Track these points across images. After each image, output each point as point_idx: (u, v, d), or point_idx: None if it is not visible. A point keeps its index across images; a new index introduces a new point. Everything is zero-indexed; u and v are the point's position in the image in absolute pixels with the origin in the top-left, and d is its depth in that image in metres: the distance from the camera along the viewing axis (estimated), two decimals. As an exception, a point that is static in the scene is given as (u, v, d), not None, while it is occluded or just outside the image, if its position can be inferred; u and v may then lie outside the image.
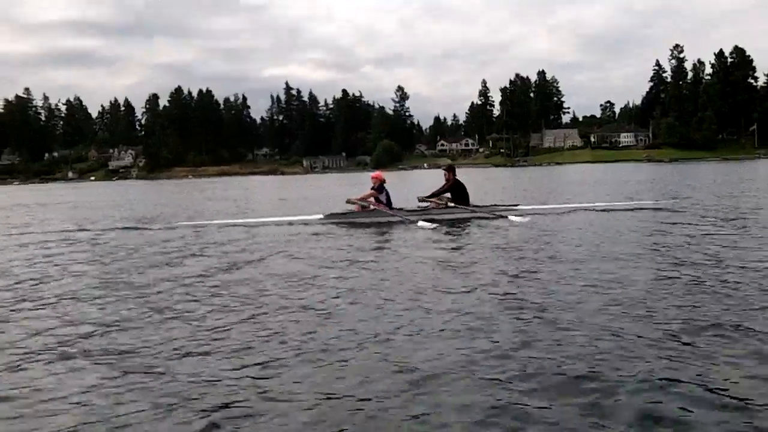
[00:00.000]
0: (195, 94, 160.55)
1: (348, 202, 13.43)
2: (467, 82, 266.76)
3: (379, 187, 13.31)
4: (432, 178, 37.88)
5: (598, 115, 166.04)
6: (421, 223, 11.65)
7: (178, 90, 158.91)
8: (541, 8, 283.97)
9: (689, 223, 10.59)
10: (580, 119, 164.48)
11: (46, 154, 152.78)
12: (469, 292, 5.81)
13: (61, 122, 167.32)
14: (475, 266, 7.23)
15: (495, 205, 13.75)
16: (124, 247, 10.18)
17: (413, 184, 25.77)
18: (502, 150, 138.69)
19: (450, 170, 13.81)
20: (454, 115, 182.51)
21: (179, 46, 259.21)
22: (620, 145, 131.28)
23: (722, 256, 7.19)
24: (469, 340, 4.30)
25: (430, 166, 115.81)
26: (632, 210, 13.41)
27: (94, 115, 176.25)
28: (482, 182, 36.18)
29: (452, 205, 13.17)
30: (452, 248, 8.93)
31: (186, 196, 33.45)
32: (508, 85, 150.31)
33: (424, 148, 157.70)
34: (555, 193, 23.23)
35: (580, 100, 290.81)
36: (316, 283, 6.49)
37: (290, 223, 13.14)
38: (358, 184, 34.00)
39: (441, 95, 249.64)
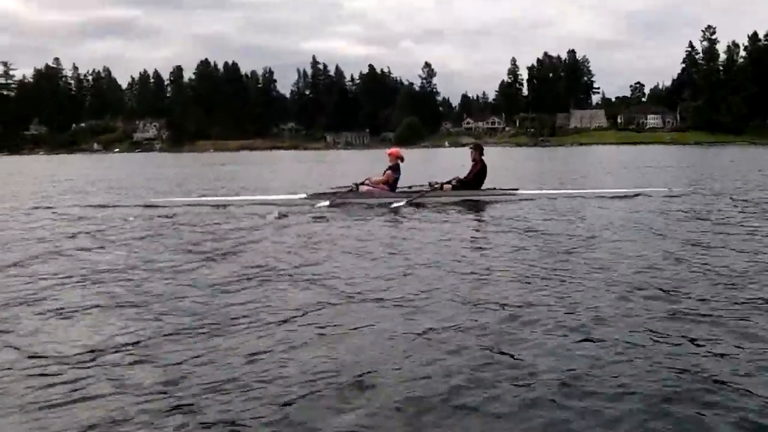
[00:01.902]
0: (230, 66, 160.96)
1: (367, 182, 12.59)
2: (504, 59, 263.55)
3: (396, 166, 12.53)
4: (449, 159, 37.35)
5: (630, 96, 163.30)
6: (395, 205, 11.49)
7: (205, 62, 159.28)
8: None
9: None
10: (613, 100, 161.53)
11: (74, 125, 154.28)
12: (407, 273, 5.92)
13: (89, 94, 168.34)
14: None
15: (493, 188, 12.86)
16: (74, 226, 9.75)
17: (427, 164, 25.14)
18: (529, 129, 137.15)
19: (477, 149, 12.84)
20: (484, 93, 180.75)
21: (218, 17, 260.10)
22: (647, 127, 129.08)
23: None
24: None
25: (451, 145, 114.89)
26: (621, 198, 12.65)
27: (125, 86, 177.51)
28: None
29: (436, 188, 12.31)
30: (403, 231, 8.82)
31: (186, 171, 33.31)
32: (535, 64, 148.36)
33: (450, 126, 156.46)
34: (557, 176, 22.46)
35: (619, 79, 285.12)
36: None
37: (270, 203, 12.34)
38: (365, 161, 33.61)
39: (477, 72, 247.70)
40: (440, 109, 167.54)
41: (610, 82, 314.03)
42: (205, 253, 7.00)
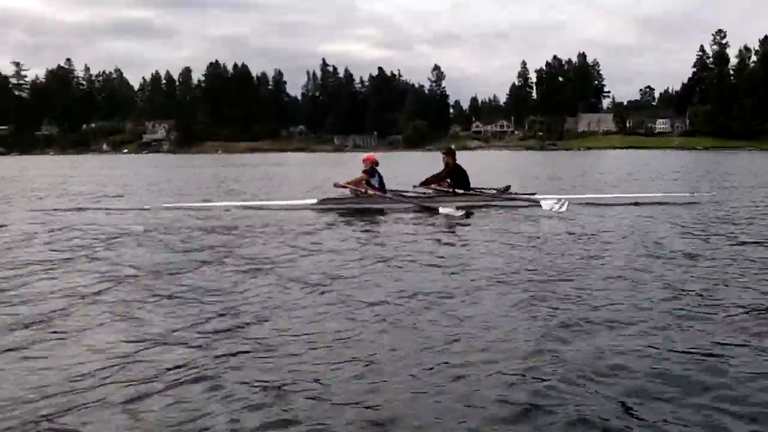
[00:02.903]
0: (240, 68, 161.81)
1: (336, 186, 12.75)
2: (520, 62, 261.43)
3: (371, 170, 12.58)
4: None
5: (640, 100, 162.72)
6: (443, 209, 11.11)
7: (215, 64, 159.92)
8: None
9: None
10: (625, 103, 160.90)
11: (84, 125, 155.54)
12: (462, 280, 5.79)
13: (100, 95, 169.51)
14: (479, 257, 7.06)
15: (512, 193, 13.14)
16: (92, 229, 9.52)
17: (424, 167, 24.93)
18: (539, 133, 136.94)
19: (449, 154, 13.02)
20: (495, 96, 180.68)
21: (235, 19, 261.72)
22: (655, 132, 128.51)
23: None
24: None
25: (457, 149, 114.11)
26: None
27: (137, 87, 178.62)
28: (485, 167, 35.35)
29: (460, 192, 12.44)
30: (462, 238, 8.57)
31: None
32: (544, 67, 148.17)
33: (459, 129, 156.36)
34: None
35: (635, 83, 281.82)
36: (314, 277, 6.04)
37: (279, 208, 12.33)
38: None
39: (494, 76, 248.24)
40: (451, 112, 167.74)
41: (626, 86, 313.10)
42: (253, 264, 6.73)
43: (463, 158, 13.87)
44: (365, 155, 13.13)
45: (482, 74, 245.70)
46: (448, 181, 12.77)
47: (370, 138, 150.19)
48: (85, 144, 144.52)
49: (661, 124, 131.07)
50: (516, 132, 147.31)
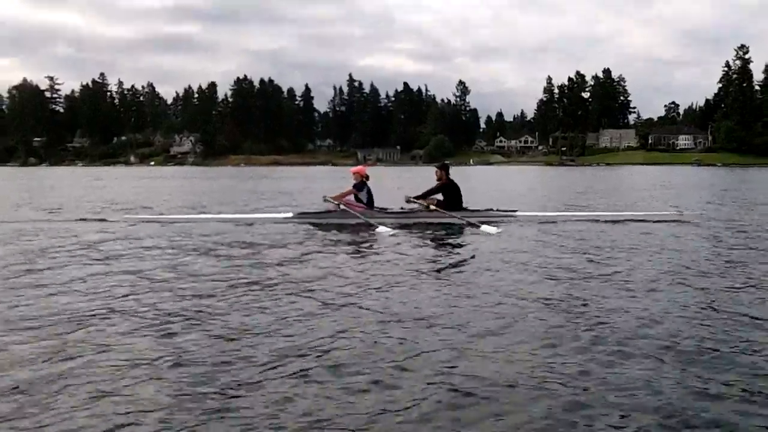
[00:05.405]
0: (267, 83, 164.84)
1: (325, 200, 12.25)
2: (558, 75, 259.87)
3: (359, 185, 12.37)
4: (462, 177, 36.28)
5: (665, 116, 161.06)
6: (380, 229, 10.68)
7: (242, 79, 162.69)
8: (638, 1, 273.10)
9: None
10: (655, 119, 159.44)
11: (115, 138, 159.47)
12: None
13: (132, 108, 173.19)
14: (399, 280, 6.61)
15: (490, 209, 12.76)
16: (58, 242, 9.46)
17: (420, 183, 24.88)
18: (563, 148, 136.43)
19: (443, 169, 12.74)
20: (522, 111, 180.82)
21: (273, 32, 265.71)
22: (677, 148, 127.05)
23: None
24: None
25: (476, 164, 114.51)
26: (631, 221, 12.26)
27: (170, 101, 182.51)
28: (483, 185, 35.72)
29: (433, 208, 12.02)
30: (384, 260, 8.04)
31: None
32: (566, 83, 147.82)
33: (484, 144, 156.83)
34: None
35: (667, 98, 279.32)
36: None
37: (255, 221, 12.22)
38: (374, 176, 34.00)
39: (531, 89, 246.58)
40: (482, 126, 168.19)
41: (662, 99, 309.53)
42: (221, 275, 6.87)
43: (467, 173, 13.55)
44: (354, 168, 13.01)
45: (522, 87, 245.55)
46: (439, 197, 12.43)
47: (393, 152, 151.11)
48: (113, 156, 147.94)
49: (683, 141, 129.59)
50: (540, 147, 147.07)
